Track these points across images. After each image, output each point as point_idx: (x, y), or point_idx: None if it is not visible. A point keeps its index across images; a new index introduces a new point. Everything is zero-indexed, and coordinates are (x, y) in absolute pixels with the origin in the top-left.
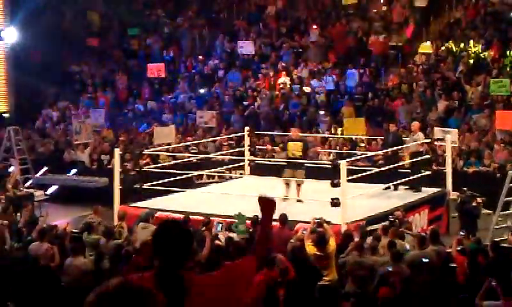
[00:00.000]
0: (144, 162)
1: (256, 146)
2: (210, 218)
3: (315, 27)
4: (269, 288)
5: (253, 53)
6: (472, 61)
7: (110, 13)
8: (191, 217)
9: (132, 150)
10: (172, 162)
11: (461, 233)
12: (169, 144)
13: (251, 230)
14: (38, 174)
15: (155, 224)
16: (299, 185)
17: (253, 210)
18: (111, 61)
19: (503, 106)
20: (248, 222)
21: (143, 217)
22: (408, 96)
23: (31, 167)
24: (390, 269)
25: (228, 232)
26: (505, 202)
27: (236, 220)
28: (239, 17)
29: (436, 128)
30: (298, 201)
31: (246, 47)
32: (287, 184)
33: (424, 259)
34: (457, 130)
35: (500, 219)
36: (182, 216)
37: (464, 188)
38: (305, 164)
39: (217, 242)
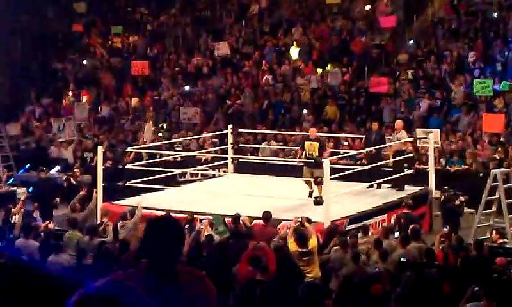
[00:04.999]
0: (129, 159)
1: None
2: (194, 216)
3: (299, 25)
4: (246, 284)
5: (229, 54)
6: (454, 61)
7: (93, 11)
8: (174, 215)
9: (116, 148)
10: (155, 160)
11: (445, 229)
12: (153, 141)
13: (232, 227)
14: (19, 172)
15: (140, 221)
16: (319, 184)
17: (235, 207)
18: (95, 59)
19: (486, 106)
20: (229, 219)
21: (123, 215)
22: (392, 95)
23: (13, 165)
24: (377, 268)
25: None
26: (487, 201)
27: (216, 223)
28: (222, 16)
29: (418, 130)
30: (317, 200)
31: (222, 49)
32: (308, 183)
33: (403, 259)
34: (438, 130)
35: (482, 217)
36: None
37: (446, 187)
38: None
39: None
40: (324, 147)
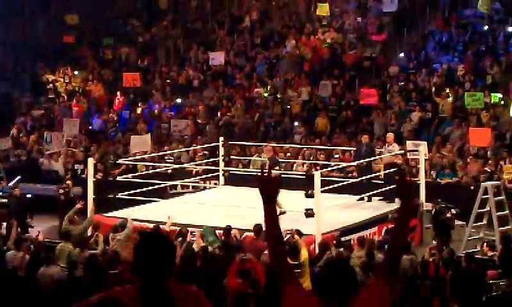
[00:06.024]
0: (120, 170)
1: (231, 156)
2: (187, 228)
3: (290, 38)
4: (239, 298)
5: (224, 64)
6: (445, 73)
7: (85, 22)
8: (164, 227)
9: (106, 160)
10: (146, 172)
11: (434, 242)
12: (145, 153)
13: (223, 239)
14: (10, 183)
15: (131, 234)
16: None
17: (226, 219)
18: (85, 70)
19: (476, 119)
20: (220, 232)
21: (114, 227)
22: (382, 107)
23: (4, 176)
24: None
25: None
26: (478, 213)
27: (206, 234)
28: (213, 28)
29: (407, 142)
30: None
31: (217, 58)
32: None
33: None
34: (426, 142)
35: (472, 230)
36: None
37: (439, 200)
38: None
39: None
40: (275, 166)
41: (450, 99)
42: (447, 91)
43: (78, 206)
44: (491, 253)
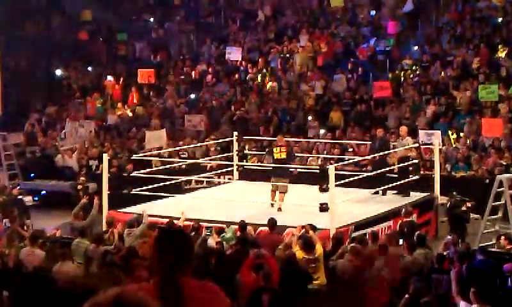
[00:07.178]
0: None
1: (245, 151)
2: (200, 223)
3: (304, 32)
4: (253, 293)
5: (240, 60)
6: (459, 66)
7: (98, 18)
8: (178, 222)
9: (121, 156)
10: (161, 167)
11: (448, 237)
12: (160, 148)
13: (238, 235)
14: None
15: (147, 229)
16: (281, 193)
17: (240, 214)
18: (99, 66)
19: (491, 111)
20: (236, 227)
21: (129, 223)
22: (396, 101)
23: (19, 173)
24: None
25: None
26: (493, 207)
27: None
28: (227, 23)
29: (420, 132)
30: (278, 209)
31: (234, 53)
32: (274, 191)
33: None
34: (440, 132)
35: (488, 223)
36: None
37: (454, 193)
38: (290, 171)
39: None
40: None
41: (468, 92)
42: (465, 84)
43: (83, 201)
44: (510, 246)
